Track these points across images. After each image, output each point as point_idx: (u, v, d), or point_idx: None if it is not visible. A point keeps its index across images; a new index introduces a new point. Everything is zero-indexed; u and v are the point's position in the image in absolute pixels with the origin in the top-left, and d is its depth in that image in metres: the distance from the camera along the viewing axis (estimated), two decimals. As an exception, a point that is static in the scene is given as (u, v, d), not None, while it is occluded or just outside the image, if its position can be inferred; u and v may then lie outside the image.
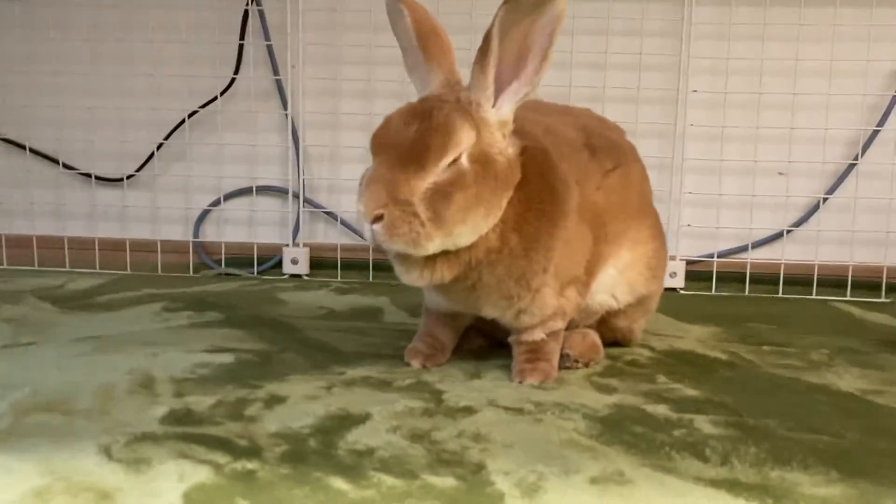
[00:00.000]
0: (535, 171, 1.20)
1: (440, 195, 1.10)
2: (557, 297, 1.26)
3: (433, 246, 1.12)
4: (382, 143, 1.13)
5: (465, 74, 1.23)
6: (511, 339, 1.31)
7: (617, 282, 1.37)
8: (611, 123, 1.49)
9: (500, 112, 1.17)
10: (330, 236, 2.37)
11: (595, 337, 1.39)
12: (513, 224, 1.17)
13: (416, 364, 1.32)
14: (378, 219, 1.09)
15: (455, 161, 1.11)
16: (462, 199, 1.11)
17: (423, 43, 1.21)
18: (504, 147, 1.17)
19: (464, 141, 1.12)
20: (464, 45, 1.41)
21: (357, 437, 1.00)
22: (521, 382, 1.25)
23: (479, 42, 1.15)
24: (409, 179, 1.09)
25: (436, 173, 1.10)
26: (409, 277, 1.18)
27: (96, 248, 2.28)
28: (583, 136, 1.34)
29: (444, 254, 1.15)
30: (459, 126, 1.12)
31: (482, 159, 1.13)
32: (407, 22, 1.21)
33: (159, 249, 2.30)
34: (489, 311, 1.27)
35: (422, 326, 1.39)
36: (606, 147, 1.35)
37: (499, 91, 1.16)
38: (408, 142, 1.11)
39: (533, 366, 1.27)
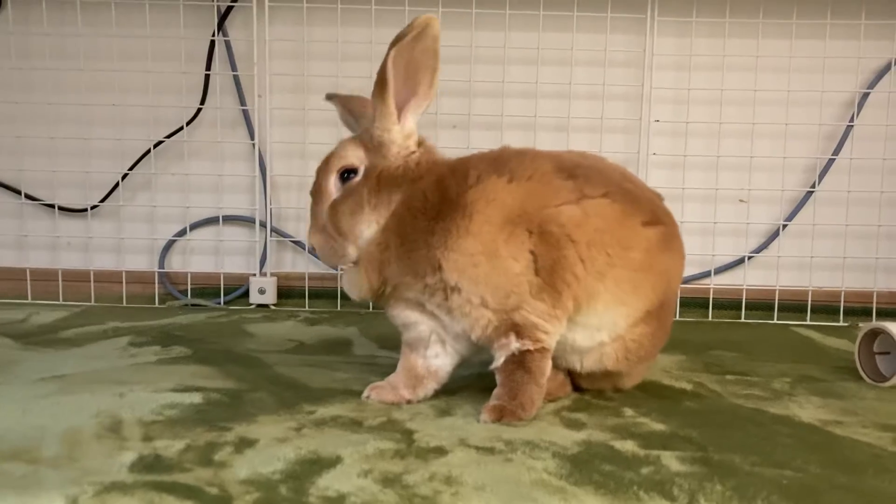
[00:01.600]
0: (432, 179, 1.28)
1: (334, 210, 1.29)
2: (484, 308, 1.24)
3: (351, 254, 1.30)
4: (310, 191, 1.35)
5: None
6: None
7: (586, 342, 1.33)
8: (637, 180, 1.44)
9: (405, 127, 1.31)
10: (298, 265, 2.36)
11: (564, 375, 1.40)
12: (394, 226, 1.27)
13: (364, 394, 1.35)
14: (314, 249, 1.33)
15: (350, 179, 1.30)
16: (347, 206, 1.28)
17: (349, 123, 1.43)
18: (405, 154, 1.31)
19: (347, 157, 1.30)
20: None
21: (328, 483, 0.99)
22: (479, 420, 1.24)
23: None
24: (318, 208, 1.31)
25: (331, 193, 1.31)
26: (350, 292, 1.33)
27: (60, 279, 2.26)
28: (563, 162, 1.32)
29: (364, 263, 1.30)
30: (342, 148, 1.32)
31: (374, 171, 1.29)
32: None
33: (124, 280, 2.28)
34: (423, 326, 1.31)
35: None
36: (596, 179, 1.31)
37: (401, 109, 1.30)
38: (316, 182, 1.33)
39: (493, 404, 1.26)
